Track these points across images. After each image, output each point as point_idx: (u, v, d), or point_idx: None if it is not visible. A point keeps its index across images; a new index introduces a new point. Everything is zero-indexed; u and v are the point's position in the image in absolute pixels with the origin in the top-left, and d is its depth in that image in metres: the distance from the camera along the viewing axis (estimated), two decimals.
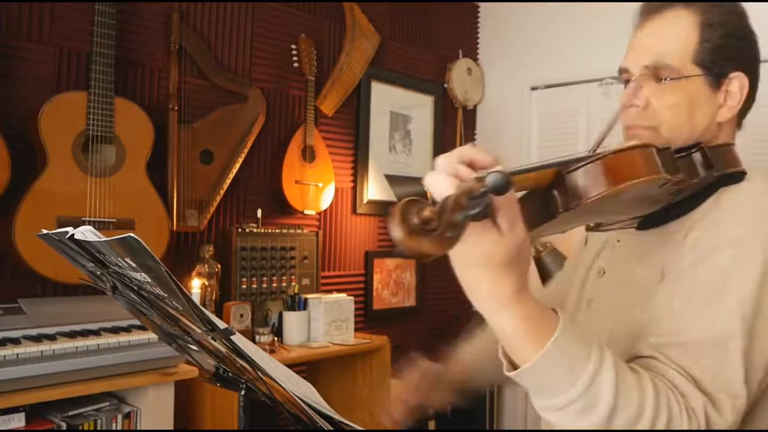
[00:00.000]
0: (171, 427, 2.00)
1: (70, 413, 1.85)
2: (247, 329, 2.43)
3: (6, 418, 1.69)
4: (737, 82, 1.03)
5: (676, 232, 0.99)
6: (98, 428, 1.89)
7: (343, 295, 2.75)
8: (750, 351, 0.86)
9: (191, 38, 2.51)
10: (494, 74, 3.80)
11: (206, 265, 2.43)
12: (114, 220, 2.12)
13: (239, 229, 2.55)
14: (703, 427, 0.81)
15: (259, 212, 2.64)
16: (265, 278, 2.60)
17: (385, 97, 3.32)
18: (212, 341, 0.93)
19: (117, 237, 0.79)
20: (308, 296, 2.63)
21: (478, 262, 0.73)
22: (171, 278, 0.81)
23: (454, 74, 3.64)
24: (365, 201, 3.22)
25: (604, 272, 1.13)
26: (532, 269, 2.56)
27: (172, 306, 0.91)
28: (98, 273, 1.00)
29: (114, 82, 2.12)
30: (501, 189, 0.62)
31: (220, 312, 2.42)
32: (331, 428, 0.98)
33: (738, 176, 0.99)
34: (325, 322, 2.60)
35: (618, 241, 1.13)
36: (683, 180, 0.93)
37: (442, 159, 0.76)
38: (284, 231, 2.69)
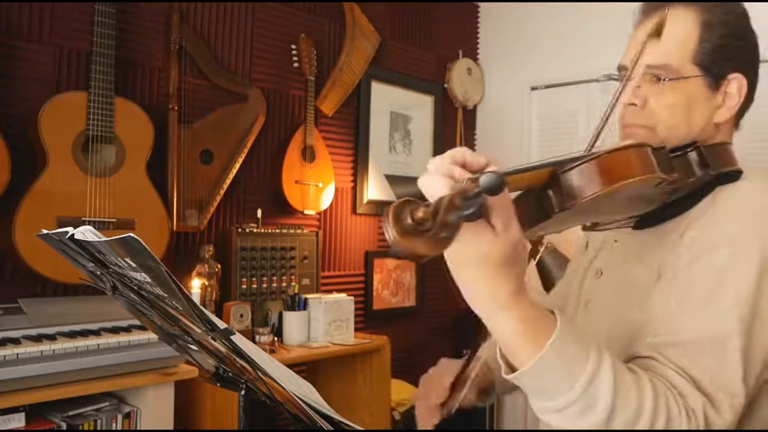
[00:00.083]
0: (171, 427, 2.00)
1: (70, 413, 1.85)
2: (247, 329, 2.43)
3: (6, 418, 1.69)
4: (736, 83, 1.02)
5: (673, 231, 0.99)
6: (98, 428, 1.89)
7: (343, 295, 2.75)
8: (748, 349, 0.86)
9: (191, 38, 2.52)
10: (494, 74, 3.80)
11: (206, 265, 2.43)
12: (114, 220, 2.12)
13: (239, 229, 2.56)
14: (702, 427, 0.81)
15: (259, 212, 2.64)
16: (265, 278, 2.61)
17: (385, 97, 3.32)
18: (212, 341, 0.93)
19: (117, 237, 0.79)
20: (308, 296, 2.63)
21: (473, 263, 0.73)
22: (171, 278, 0.81)
23: (454, 74, 3.64)
24: (365, 201, 3.22)
25: (602, 273, 1.13)
26: (533, 270, 2.56)
27: (172, 306, 0.91)
28: (98, 273, 1.01)
29: (114, 82, 2.12)
30: (495, 189, 0.63)
31: (220, 312, 2.43)
32: (331, 428, 0.98)
33: (734, 175, 0.99)
34: (325, 322, 2.60)
35: (615, 241, 1.13)
36: (679, 179, 0.93)
37: (436, 160, 0.76)
38: (284, 231, 2.69)
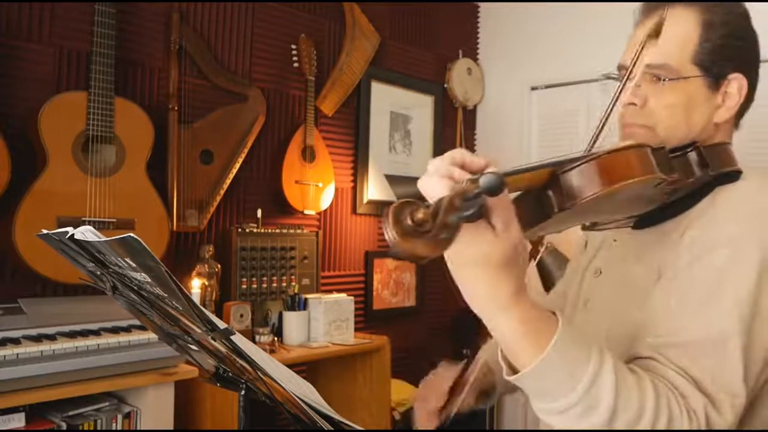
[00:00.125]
0: (171, 427, 2.00)
1: (70, 413, 1.85)
2: (247, 329, 2.43)
3: (6, 418, 1.69)
4: (736, 84, 1.02)
5: (673, 230, 0.99)
6: (98, 428, 1.89)
7: (343, 295, 2.75)
8: (748, 349, 0.86)
9: (191, 38, 2.51)
10: (494, 74, 3.80)
11: (206, 265, 2.43)
12: (114, 220, 2.12)
13: (239, 229, 2.56)
14: (703, 428, 0.81)
15: (259, 212, 2.64)
16: (265, 278, 2.61)
17: (385, 97, 3.32)
18: (212, 341, 0.93)
19: (117, 237, 0.79)
20: (308, 296, 2.63)
21: (474, 263, 0.73)
22: (171, 278, 0.81)
23: (454, 74, 3.64)
24: (365, 201, 3.22)
25: (601, 272, 1.13)
26: (533, 272, 2.56)
27: (172, 306, 0.91)
28: (98, 273, 1.01)
29: (114, 82, 2.12)
30: (495, 190, 0.63)
31: (220, 312, 2.43)
32: (331, 428, 0.98)
33: (734, 175, 0.99)
34: (325, 322, 2.60)
35: (614, 240, 1.13)
36: (678, 179, 0.93)
37: (435, 162, 0.76)
38: (284, 231, 2.69)
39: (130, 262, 0.85)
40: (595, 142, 0.94)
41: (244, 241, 2.55)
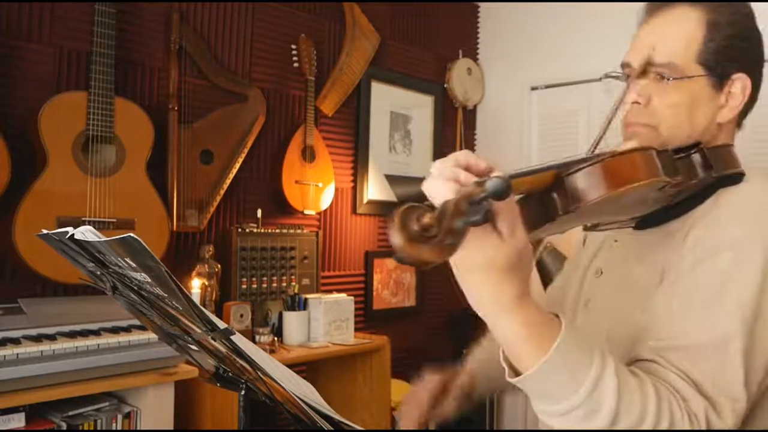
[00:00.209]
0: (171, 427, 2.00)
1: (70, 413, 1.85)
2: (247, 329, 2.43)
3: (6, 418, 1.69)
4: (740, 84, 1.02)
5: (677, 231, 0.99)
6: (98, 428, 1.89)
7: (343, 295, 2.75)
8: (750, 353, 0.86)
9: (191, 38, 2.51)
10: (494, 74, 3.80)
11: (206, 265, 2.43)
12: (114, 220, 2.12)
13: (239, 229, 2.55)
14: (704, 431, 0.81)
15: (259, 212, 2.64)
16: (265, 278, 2.60)
17: (385, 97, 3.32)
18: (212, 341, 0.93)
19: (117, 237, 0.79)
20: (308, 296, 2.63)
21: (479, 268, 0.72)
22: (171, 278, 0.81)
23: (454, 74, 3.64)
24: (365, 201, 3.22)
25: (602, 272, 1.13)
26: (534, 274, 2.56)
27: (172, 306, 0.91)
28: (98, 273, 1.00)
29: (114, 82, 2.12)
30: (501, 194, 0.62)
31: (220, 312, 2.42)
32: (331, 428, 0.98)
33: (737, 177, 0.99)
34: (325, 322, 2.60)
35: (615, 240, 1.13)
36: (682, 181, 0.93)
37: (438, 164, 0.75)
38: (284, 231, 2.69)
39: (130, 262, 0.84)
40: (599, 142, 0.94)
41: (244, 241, 2.55)
